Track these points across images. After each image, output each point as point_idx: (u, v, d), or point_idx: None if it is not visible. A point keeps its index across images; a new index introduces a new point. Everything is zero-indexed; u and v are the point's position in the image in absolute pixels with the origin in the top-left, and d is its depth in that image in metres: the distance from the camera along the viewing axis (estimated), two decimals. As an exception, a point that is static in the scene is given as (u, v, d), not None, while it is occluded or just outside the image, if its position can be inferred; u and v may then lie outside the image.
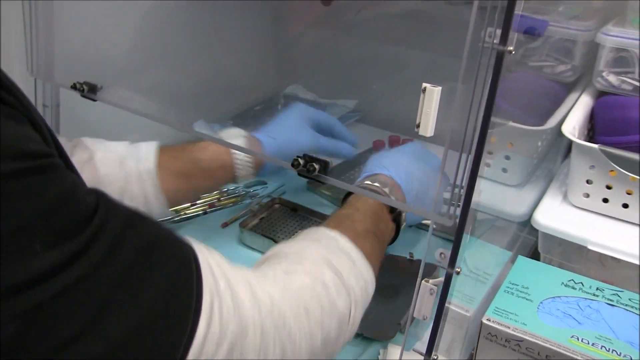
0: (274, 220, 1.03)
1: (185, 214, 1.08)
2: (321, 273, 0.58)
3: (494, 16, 0.47)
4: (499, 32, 0.47)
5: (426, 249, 0.59)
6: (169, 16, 1.16)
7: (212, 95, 1.31)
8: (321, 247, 0.62)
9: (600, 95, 0.91)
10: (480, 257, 0.85)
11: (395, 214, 0.77)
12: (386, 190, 0.74)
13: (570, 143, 0.82)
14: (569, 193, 0.86)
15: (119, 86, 1.00)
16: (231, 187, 1.14)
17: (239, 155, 0.86)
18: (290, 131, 0.89)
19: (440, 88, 0.50)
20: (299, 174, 0.63)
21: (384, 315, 0.83)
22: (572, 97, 0.93)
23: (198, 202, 1.10)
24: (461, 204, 0.51)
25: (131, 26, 1.10)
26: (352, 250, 0.63)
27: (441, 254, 0.56)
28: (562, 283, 0.78)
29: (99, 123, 1.13)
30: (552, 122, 0.85)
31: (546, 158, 0.99)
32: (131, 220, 0.42)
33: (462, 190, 0.52)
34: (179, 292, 0.43)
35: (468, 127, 0.51)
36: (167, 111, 1.24)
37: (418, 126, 0.52)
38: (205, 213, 1.08)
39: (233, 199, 1.11)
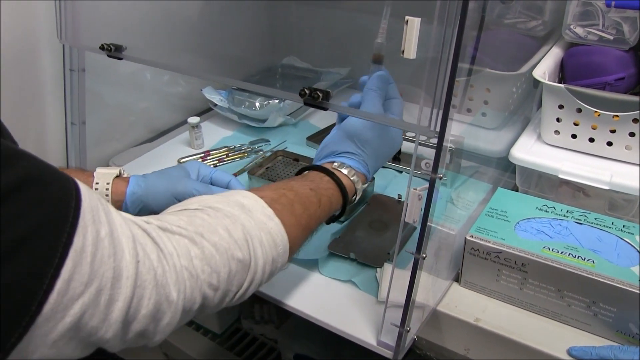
0: (278, 169, 1.13)
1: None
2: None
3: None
4: None
5: (413, 159, 0.69)
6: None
7: (217, 65, 1.41)
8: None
9: (569, 46, 1.02)
10: (466, 190, 0.96)
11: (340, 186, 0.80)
12: (347, 173, 0.81)
13: (542, 88, 0.93)
14: (541, 132, 0.97)
15: (139, 47, 1.10)
16: (237, 144, 1.24)
17: (99, 186, 0.81)
18: (164, 176, 0.84)
19: (420, 19, 0.61)
20: (305, 103, 0.73)
21: (376, 245, 0.93)
22: (544, 49, 1.03)
23: (208, 158, 1.20)
24: (440, 113, 0.62)
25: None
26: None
27: (426, 163, 0.67)
28: (537, 207, 0.89)
29: (114, 93, 1.24)
30: (524, 69, 0.96)
31: (522, 107, 1.10)
32: (10, 159, 0.46)
33: (439, 113, 0.62)
34: (46, 229, 0.45)
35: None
36: (177, 78, 1.35)
37: (403, 52, 0.62)
38: (215, 167, 1.18)
39: (240, 154, 1.21)
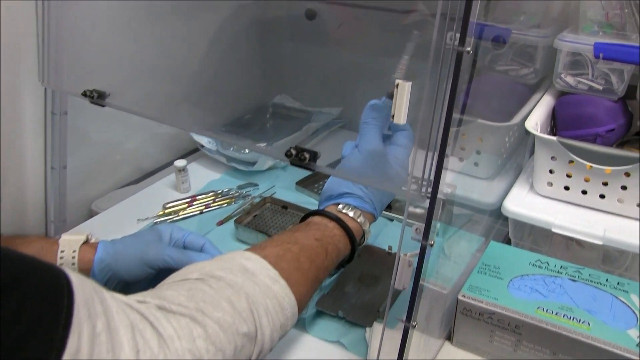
0: (266, 217, 1.10)
1: (183, 214, 1.15)
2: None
3: (453, 23, 0.56)
4: (458, 35, 0.55)
5: (403, 226, 0.67)
6: (165, 28, 1.23)
7: (205, 105, 1.39)
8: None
9: (560, 95, 1.00)
10: (457, 243, 0.94)
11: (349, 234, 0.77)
12: (353, 215, 0.78)
13: (535, 139, 0.91)
14: (534, 183, 0.95)
15: (123, 94, 1.08)
16: (225, 189, 1.22)
17: (65, 255, 0.77)
18: (134, 242, 0.80)
19: (410, 83, 0.59)
20: (292, 164, 0.71)
21: (365, 301, 0.90)
22: (536, 97, 1.02)
23: (194, 203, 1.18)
24: (432, 179, 0.60)
25: (133, 38, 1.17)
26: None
27: (417, 229, 0.64)
28: (530, 263, 0.87)
29: (99, 131, 1.21)
30: (516, 119, 0.95)
31: (515, 154, 1.08)
32: None
33: (431, 172, 0.60)
34: (37, 335, 0.43)
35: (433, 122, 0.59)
36: (168, 116, 1.32)
37: (393, 117, 0.60)
38: (201, 213, 1.16)
39: (227, 200, 1.18)
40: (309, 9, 1.29)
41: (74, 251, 0.76)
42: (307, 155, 0.69)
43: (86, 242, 0.79)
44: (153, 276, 0.78)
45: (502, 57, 1.03)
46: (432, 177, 0.60)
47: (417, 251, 0.65)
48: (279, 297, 0.63)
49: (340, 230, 0.76)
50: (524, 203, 0.93)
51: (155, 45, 1.22)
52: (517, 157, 1.08)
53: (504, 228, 1.04)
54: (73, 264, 0.76)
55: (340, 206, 0.79)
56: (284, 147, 1.28)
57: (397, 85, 0.59)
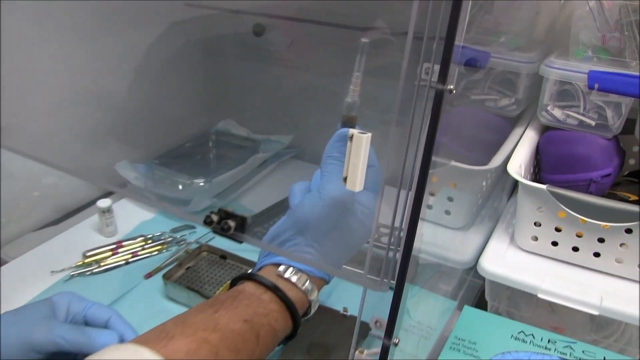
0: (201, 269, 0.94)
1: (106, 264, 0.97)
2: None
3: (431, 49, 0.41)
4: (437, 68, 0.40)
5: (360, 307, 0.51)
6: (89, 47, 1.07)
7: (137, 133, 1.22)
8: None
9: (545, 129, 0.86)
10: (423, 308, 0.78)
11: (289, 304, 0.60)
12: (297, 281, 0.61)
13: (516, 180, 0.76)
14: (516, 236, 0.80)
15: (27, 127, 0.91)
16: (156, 232, 1.04)
17: None
18: (20, 320, 0.66)
19: (369, 135, 0.43)
20: (214, 232, 0.55)
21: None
22: (517, 131, 0.87)
23: (120, 250, 1.00)
24: (397, 267, 0.44)
25: (44, 58, 1.00)
26: None
27: (376, 322, 0.49)
28: (512, 336, 0.72)
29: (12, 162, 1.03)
30: (497, 161, 0.80)
31: (491, 196, 0.93)
32: None
33: (397, 254, 0.45)
34: None
35: (404, 172, 0.44)
36: (85, 154, 1.15)
37: (345, 180, 0.44)
38: (127, 263, 0.98)
39: (158, 247, 1.01)
40: (257, 24, 1.12)
41: None
42: (231, 224, 0.53)
43: None
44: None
45: (478, 85, 0.88)
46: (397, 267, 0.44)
47: (377, 350, 0.49)
48: None
49: (278, 305, 0.59)
50: (504, 261, 0.78)
51: (71, 69, 1.06)
52: (494, 199, 0.93)
53: (476, 281, 0.90)
54: None
55: (281, 268, 0.61)
56: (226, 182, 1.14)
57: (352, 137, 0.43)
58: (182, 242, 1.02)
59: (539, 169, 0.86)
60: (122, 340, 0.68)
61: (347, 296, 0.87)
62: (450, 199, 0.84)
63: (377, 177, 0.63)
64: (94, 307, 0.69)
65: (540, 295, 0.73)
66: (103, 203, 1.03)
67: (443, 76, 0.40)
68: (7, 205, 1.06)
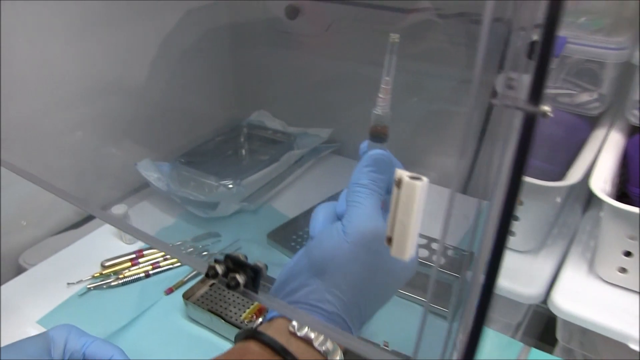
0: (224, 289, 0.82)
1: (125, 276, 0.87)
2: None
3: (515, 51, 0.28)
4: (525, 78, 0.26)
5: (416, 346, 0.38)
6: (103, 36, 0.96)
7: (160, 128, 1.11)
8: None
9: (634, 131, 0.71)
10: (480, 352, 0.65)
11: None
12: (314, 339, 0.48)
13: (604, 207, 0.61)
14: (597, 265, 0.66)
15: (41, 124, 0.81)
16: (177, 242, 0.93)
17: None
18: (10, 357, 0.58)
19: (426, 182, 0.30)
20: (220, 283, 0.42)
21: None
22: (598, 134, 0.72)
23: (140, 260, 0.90)
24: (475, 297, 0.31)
25: (54, 53, 0.91)
26: None
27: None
28: (594, 393, 0.58)
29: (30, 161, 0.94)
30: (575, 175, 0.64)
31: (564, 210, 0.78)
32: None
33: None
34: None
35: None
36: (105, 151, 1.05)
37: (389, 241, 0.31)
38: (147, 276, 0.88)
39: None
40: (290, 6, 0.99)
41: None
42: (240, 279, 0.40)
43: None
44: None
45: (551, 76, 0.73)
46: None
47: None
48: None
49: None
50: (582, 297, 0.64)
51: (84, 61, 0.96)
52: (567, 214, 0.78)
53: (543, 305, 0.76)
54: None
55: (294, 323, 0.48)
56: (257, 184, 1.02)
57: (399, 181, 0.30)
58: (205, 254, 0.91)
59: (626, 179, 0.71)
60: None
61: (385, 326, 0.74)
62: (515, 218, 0.70)
63: None
64: (94, 345, 0.61)
65: (631, 346, 0.59)
66: (118, 210, 0.93)
67: (536, 94, 0.26)
68: (27, 207, 0.99)
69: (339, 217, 0.53)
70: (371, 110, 0.52)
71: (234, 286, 0.40)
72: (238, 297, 0.81)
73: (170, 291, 0.85)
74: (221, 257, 0.42)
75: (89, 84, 0.97)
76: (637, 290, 0.64)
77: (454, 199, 0.31)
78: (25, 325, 0.79)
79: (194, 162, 1.05)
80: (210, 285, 0.83)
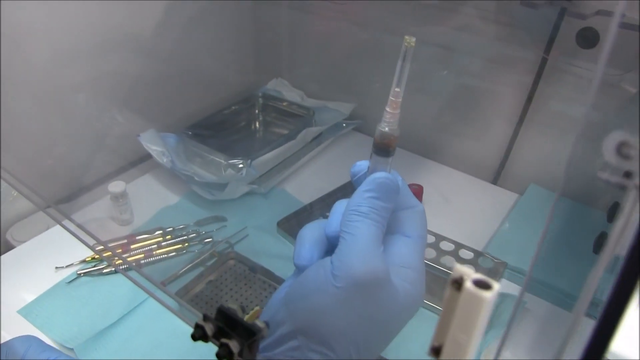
0: (224, 285, 0.75)
1: (118, 262, 0.80)
2: None
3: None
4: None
5: None
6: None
7: (171, 94, 1.03)
8: None
9: None
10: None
11: None
12: None
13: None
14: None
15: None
16: (178, 225, 0.85)
17: None
18: None
19: (496, 291, 0.21)
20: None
21: None
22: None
23: (133, 246, 0.82)
24: None
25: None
26: None
27: None
28: None
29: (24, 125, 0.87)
30: None
31: None
32: None
33: None
34: None
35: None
36: (105, 119, 0.97)
37: (436, 353, 0.23)
38: (140, 266, 0.80)
39: (179, 244, 0.82)
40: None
41: None
42: (234, 348, 0.32)
43: None
44: None
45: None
46: None
47: None
48: None
49: None
50: None
51: (90, 12, 0.87)
52: None
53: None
54: None
55: None
56: (270, 163, 0.93)
57: (458, 285, 0.21)
58: (208, 242, 0.83)
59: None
60: None
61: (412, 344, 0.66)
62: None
63: (415, 246, 0.43)
64: None
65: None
66: (115, 187, 0.85)
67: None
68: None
69: (328, 240, 0.45)
70: (376, 127, 0.43)
71: (225, 355, 0.32)
72: (238, 296, 0.73)
73: (163, 285, 0.77)
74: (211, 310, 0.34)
75: (94, 39, 0.89)
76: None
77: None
78: (4, 315, 0.72)
79: (202, 135, 0.97)
80: (208, 282, 0.76)
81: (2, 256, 0.84)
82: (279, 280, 0.74)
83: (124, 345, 0.58)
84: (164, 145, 0.93)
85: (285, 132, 0.97)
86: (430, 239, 0.74)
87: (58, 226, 0.87)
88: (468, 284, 0.21)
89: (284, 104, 1.08)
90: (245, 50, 1.19)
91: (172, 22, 0.99)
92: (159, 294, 0.76)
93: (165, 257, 0.81)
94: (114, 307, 0.73)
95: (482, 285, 0.20)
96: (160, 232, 0.84)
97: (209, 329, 0.33)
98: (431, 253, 0.70)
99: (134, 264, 0.80)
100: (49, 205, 0.95)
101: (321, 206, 0.88)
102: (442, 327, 0.22)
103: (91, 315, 0.71)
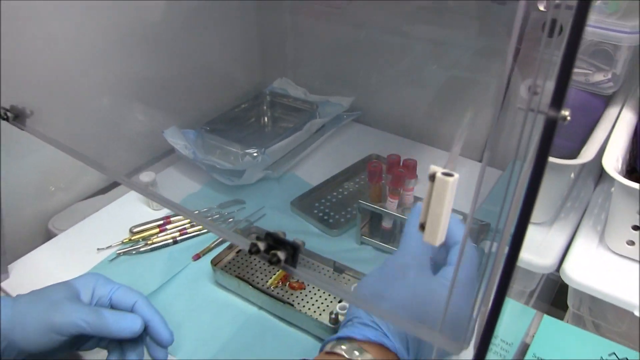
0: (250, 256, 0.87)
1: (153, 242, 0.92)
2: None
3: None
4: (549, 86, 0.30)
5: None
6: (130, 4, 0.99)
7: (187, 95, 1.14)
8: None
9: (646, 110, 0.74)
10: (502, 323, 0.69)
11: None
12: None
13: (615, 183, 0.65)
14: (607, 237, 0.70)
15: (68, 91, 0.82)
16: (204, 208, 0.98)
17: None
18: (40, 301, 0.62)
19: (456, 178, 0.34)
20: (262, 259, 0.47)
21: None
22: (611, 112, 0.75)
23: (168, 227, 0.94)
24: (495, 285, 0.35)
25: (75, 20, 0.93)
26: None
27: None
28: (602, 358, 0.62)
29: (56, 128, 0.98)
30: (589, 153, 0.68)
31: (576, 184, 0.82)
32: None
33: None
34: None
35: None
36: (132, 119, 1.08)
37: (422, 227, 0.35)
38: (175, 242, 0.92)
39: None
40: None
41: None
42: (281, 256, 0.45)
43: None
44: (68, 342, 0.61)
45: (567, 56, 0.75)
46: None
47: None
48: None
49: None
50: (592, 267, 0.68)
51: (114, 18, 0.98)
52: (580, 188, 0.82)
53: (555, 273, 0.80)
54: None
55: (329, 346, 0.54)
56: (280, 152, 1.05)
57: (433, 176, 0.34)
58: (231, 221, 0.95)
59: (636, 155, 0.74)
60: (146, 326, 0.65)
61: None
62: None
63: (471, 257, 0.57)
64: (119, 291, 0.66)
65: (636, 314, 0.63)
66: (146, 177, 0.97)
67: (558, 100, 0.30)
68: (54, 173, 1.02)
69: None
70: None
71: (275, 262, 0.45)
72: (264, 264, 0.85)
73: (197, 257, 0.89)
74: (261, 234, 0.46)
75: (113, 47, 1.00)
76: (644, 261, 0.68)
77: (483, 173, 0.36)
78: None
79: (218, 130, 1.09)
80: (237, 252, 0.88)
81: (47, 242, 0.95)
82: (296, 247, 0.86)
83: (162, 311, 0.70)
84: (185, 140, 1.05)
85: (292, 125, 1.09)
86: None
87: (94, 215, 1.00)
88: (439, 175, 0.33)
89: (290, 100, 1.20)
90: (252, 53, 1.31)
91: (187, 34, 1.11)
92: (192, 265, 0.88)
93: (197, 234, 0.94)
94: (152, 279, 0.85)
95: (448, 175, 0.33)
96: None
97: (261, 246, 0.45)
98: (426, 218, 0.82)
99: (171, 240, 0.92)
100: (88, 196, 1.07)
101: (327, 187, 1.01)
102: (425, 209, 0.34)
103: (132, 286, 0.82)
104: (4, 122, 0.76)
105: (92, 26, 0.95)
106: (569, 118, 0.31)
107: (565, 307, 0.75)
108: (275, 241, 0.45)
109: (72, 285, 0.65)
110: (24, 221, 0.98)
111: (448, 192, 0.33)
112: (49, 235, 0.99)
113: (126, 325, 0.62)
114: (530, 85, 0.31)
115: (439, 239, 0.35)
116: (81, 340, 0.65)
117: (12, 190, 0.89)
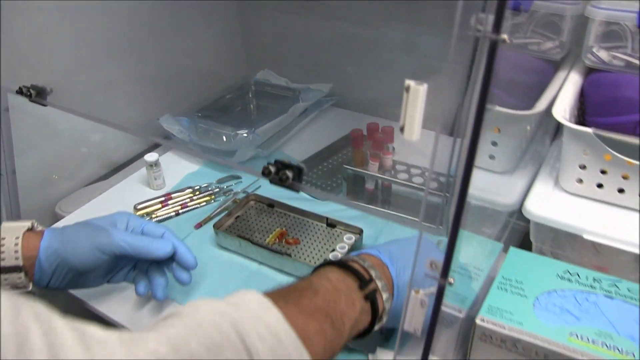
0: (250, 218, 0.96)
1: (156, 216, 1.01)
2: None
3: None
4: (491, 17, 0.40)
5: (416, 252, 0.54)
6: (125, 5, 1.08)
7: (177, 87, 1.24)
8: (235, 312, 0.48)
9: (590, 72, 0.86)
10: (470, 250, 0.80)
11: (369, 298, 0.64)
12: (366, 265, 0.65)
13: (559, 123, 0.77)
14: (560, 179, 0.81)
15: (73, 86, 0.92)
16: (203, 184, 1.07)
17: (6, 242, 0.68)
18: (86, 227, 0.73)
19: (426, 86, 0.44)
20: (271, 182, 0.57)
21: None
22: (561, 75, 0.87)
23: (169, 202, 1.03)
24: (452, 211, 0.46)
25: (79, 15, 1.02)
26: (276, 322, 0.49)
27: (432, 263, 0.51)
28: (557, 275, 0.73)
29: (59, 120, 1.06)
30: (541, 105, 0.80)
31: (534, 140, 0.94)
32: None
33: (451, 200, 0.47)
34: None
35: (459, 120, 0.46)
36: (129, 109, 1.17)
37: (402, 130, 0.46)
38: (177, 214, 1.02)
39: (206, 198, 1.04)
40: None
41: (16, 238, 0.68)
42: (289, 174, 0.55)
43: (31, 229, 0.72)
44: (107, 264, 0.73)
45: (521, 28, 0.88)
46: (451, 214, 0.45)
47: (433, 289, 0.52)
48: None
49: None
50: (549, 204, 0.79)
51: (109, 22, 1.08)
52: (537, 143, 0.94)
53: (521, 223, 0.91)
54: (16, 251, 0.68)
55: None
56: (268, 132, 1.16)
57: (408, 87, 0.44)
58: (229, 193, 1.05)
59: (584, 112, 0.86)
60: (175, 250, 0.76)
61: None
62: (494, 144, 0.85)
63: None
64: (150, 224, 0.77)
65: (585, 236, 0.74)
66: (150, 157, 1.06)
67: (497, 26, 0.40)
68: (58, 163, 1.11)
69: None
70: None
71: (285, 179, 0.55)
72: (262, 225, 0.95)
73: (199, 226, 0.98)
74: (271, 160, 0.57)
75: (110, 48, 1.09)
76: (590, 196, 0.80)
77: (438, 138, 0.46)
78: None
79: (210, 116, 1.18)
80: (236, 218, 0.97)
81: (56, 224, 1.01)
82: (295, 210, 0.95)
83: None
84: (180, 125, 1.15)
85: (278, 109, 1.20)
86: (402, 167, 0.96)
87: (98, 197, 1.08)
88: (412, 85, 0.44)
89: (273, 88, 1.31)
90: (236, 48, 1.41)
91: (177, 34, 1.21)
92: (195, 233, 0.98)
93: (197, 207, 1.03)
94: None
95: (419, 84, 0.44)
96: (190, 189, 1.06)
97: (272, 169, 0.55)
98: (404, 176, 0.93)
99: (173, 213, 1.02)
100: (90, 182, 1.16)
101: (312, 162, 1.11)
102: (403, 114, 0.45)
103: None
104: (12, 118, 0.86)
105: (92, 27, 1.04)
106: (507, 41, 0.42)
107: (530, 248, 0.86)
108: (283, 165, 0.56)
109: (110, 217, 0.76)
110: (34, 206, 1.06)
111: (420, 97, 0.44)
112: (56, 218, 1.07)
113: (160, 245, 0.73)
114: (479, 18, 0.42)
115: (416, 135, 0.45)
116: (115, 269, 0.75)
117: (22, 179, 0.97)
